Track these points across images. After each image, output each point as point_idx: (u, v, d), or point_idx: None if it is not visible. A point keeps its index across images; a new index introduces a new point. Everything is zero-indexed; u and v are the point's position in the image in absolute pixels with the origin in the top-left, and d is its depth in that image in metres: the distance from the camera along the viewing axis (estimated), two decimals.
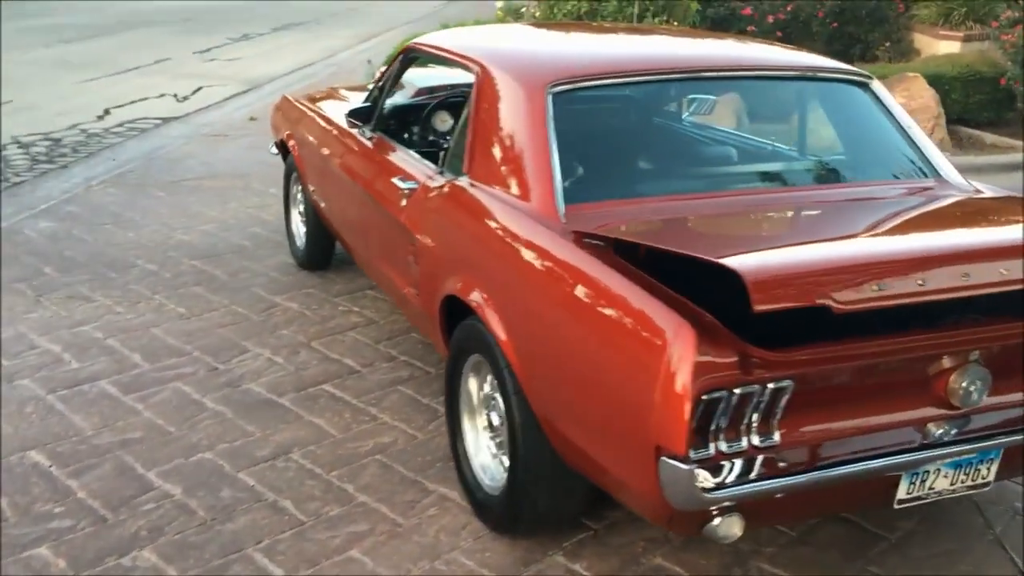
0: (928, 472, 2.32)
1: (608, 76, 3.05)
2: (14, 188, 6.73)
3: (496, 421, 2.87)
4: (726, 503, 2.10)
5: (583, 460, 2.47)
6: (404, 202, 3.39)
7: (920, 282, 2.03)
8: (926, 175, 3.10)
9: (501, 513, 2.83)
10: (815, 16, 10.03)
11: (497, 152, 2.97)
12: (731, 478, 2.06)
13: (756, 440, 2.08)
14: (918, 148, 3.15)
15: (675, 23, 8.43)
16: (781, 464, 2.13)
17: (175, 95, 10.17)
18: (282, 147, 5.17)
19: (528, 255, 2.64)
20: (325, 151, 4.38)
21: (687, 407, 1.99)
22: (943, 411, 2.25)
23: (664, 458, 2.05)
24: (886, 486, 2.31)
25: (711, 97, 3.63)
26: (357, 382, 3.83)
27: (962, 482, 2.38)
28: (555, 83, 2.90)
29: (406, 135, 4.15)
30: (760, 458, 2.09)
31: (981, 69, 8.58)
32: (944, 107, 7.99)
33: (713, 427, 2.05)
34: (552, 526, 2.86)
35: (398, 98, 4.23)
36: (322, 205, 4.56)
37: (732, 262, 1.97)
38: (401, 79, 4.16)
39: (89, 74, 11.33)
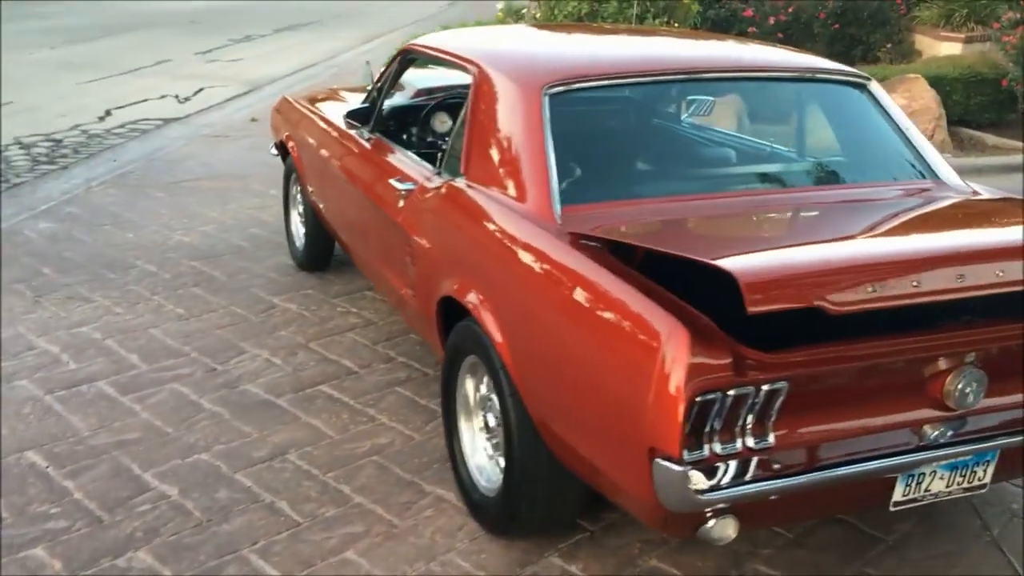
0: (924, 474, 2.31)
1: (604, 77, 3.05)
2: (14, 189, 6.74)
3: (492, 422, 2.87)
4: (720, 505, 2.09)
5: (578, 461, 2.46)
6: (401, 203, 3.39)
7: (915, 284, 2.03)
8: (923, 176, 3.09)
9: (497, 514, 2.82)
10: (816, 17, 10.03)
11: (494, 153, 2.97)
12: (725, 480, 2.06)
13: (750, 442, 2.08)
14: (916, 149, 3.14)
15: (676, 24, 8.42)
16: (775, 466, 2.13)
17: (176, 96, 10.18)
18: (281, 148, 5.17)
19: (523, 256, 2.64)
20: (324, 152, 4.38)
21: (681, 409, 1.99)
22: (939, 413, 2.25)
23: (658, 460, 2.05)
24: (882, 488, 2.30)
25: (710, 98, 3.63)
26: (355, 383, 3.83)
27: (958, 484, 2.37)
28: (551, 84, 2.90)
29: (405, 136, 4.15)
30: (754, 460, 2.09)
31: (982, 70, 8.57)
32: (945, 108, 7.98)
33: (707, 429, 2.05)
34: (548, 527, 2.86)
35: (397, 99, 4.23)
36: (321, 206, 4.56)
37: (726, 263, 1.97)
38: (400, 80, 4.16)
39: (91, 75, 11.34)
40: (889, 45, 10.08)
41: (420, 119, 4.14)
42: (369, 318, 4.46)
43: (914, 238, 2.63)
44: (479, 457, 2.96)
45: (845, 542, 2.88)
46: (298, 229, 5.08)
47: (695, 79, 3.22)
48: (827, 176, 3.24)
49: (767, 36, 9.48)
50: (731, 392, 2.02)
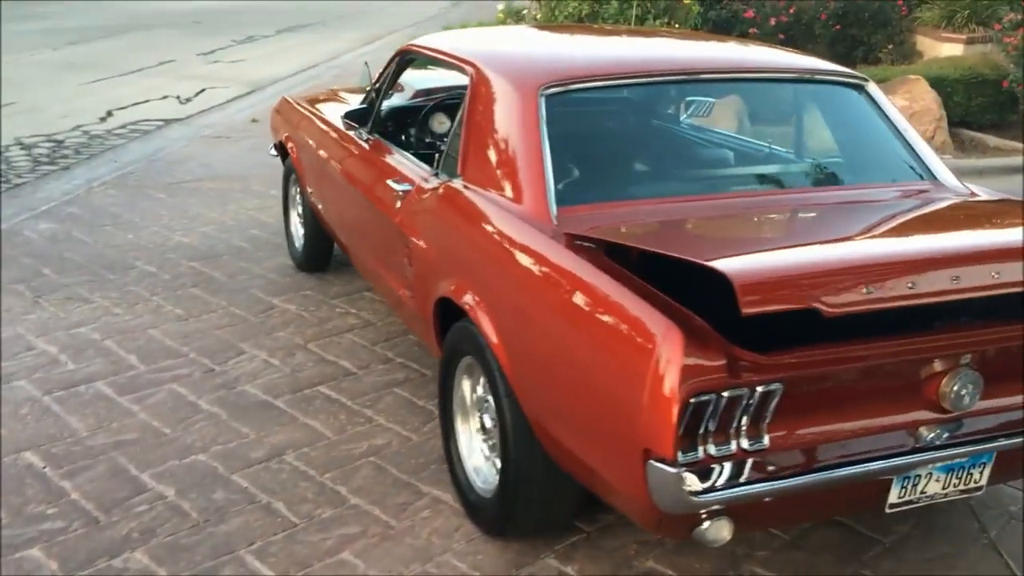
0: (920, 476, 2.31)
1: (600, 78, 3.04)
2: (15, 189, 6.75)
3: (489, 423, 2.87)
4: (715, 507, 2.09)
5: (573, 463, 2.46)
6: (398, 204, 3.39)
7: (910, 285, 2.02)
8: (921, 178, 3.09)
9: (493, 515, 2.82)
10: (818, 18, 10.02)
11: (490, 154, 2.97)
12: (720, 482, 2.05)
13: (745, 443, 2.08)
14: (913, 151, 3.13)
15: (676, 26, 8.42)
16: (770, 468, 2.12)
17: (178, 97, 10.19)
18: (281, 149, 5.18)
19: (519, 257, 2.63)
20: (322, 153, 4.38)
21: (675, 410, 1.98)
22: (935, 415, 2.24)
23: (652, 461, 2.04)
24: (877, 490, 2.30)
25: (709, 99, 3.63)
26: (353, 384, 3.83)
27: (954, 486, 2.36)
28: (548, 85, 2.90)
29: (403, 137, 4.15)
30: (749, 462, 2.08)
31: (983, 72, 8.55)
32: (946, 110, 7.97)
33: (702, 430, 2.04)
34: (544, 529, 2.85)
35: (395, 100, 4.23)
36: (320, 207, 4.56)
37: (720, 265, 1.97)
38: (399, 81, 4.16)
39: (93, 76, 11.36)
40: (890, 46, 10.07)
41: (419, 120, 4.14)
42: (368, 319, 4.46)
43: (910, 239, 2.62)
44: (476, 458, 2.96)
45: (842, 544, 2.87)
46: (297, 230, 5.08)
47: (690, 80, 3.22)
48: (824, 177, 3.23)
49: (768, 37, 9.47)
50: (725, 394, 2.01)
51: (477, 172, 3.01)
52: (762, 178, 3.23)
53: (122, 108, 9.54)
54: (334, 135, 4.28)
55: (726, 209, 2.83)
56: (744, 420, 2.06)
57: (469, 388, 2.97)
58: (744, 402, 2.04)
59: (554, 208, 2.68)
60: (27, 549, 2.79)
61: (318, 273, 5.02)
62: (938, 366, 2.21)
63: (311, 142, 4.58)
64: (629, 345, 2.14)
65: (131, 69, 11.88)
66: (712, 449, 2.06)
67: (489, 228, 2.82)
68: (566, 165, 2.86)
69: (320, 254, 4.96)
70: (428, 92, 4.29)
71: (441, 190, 3.16)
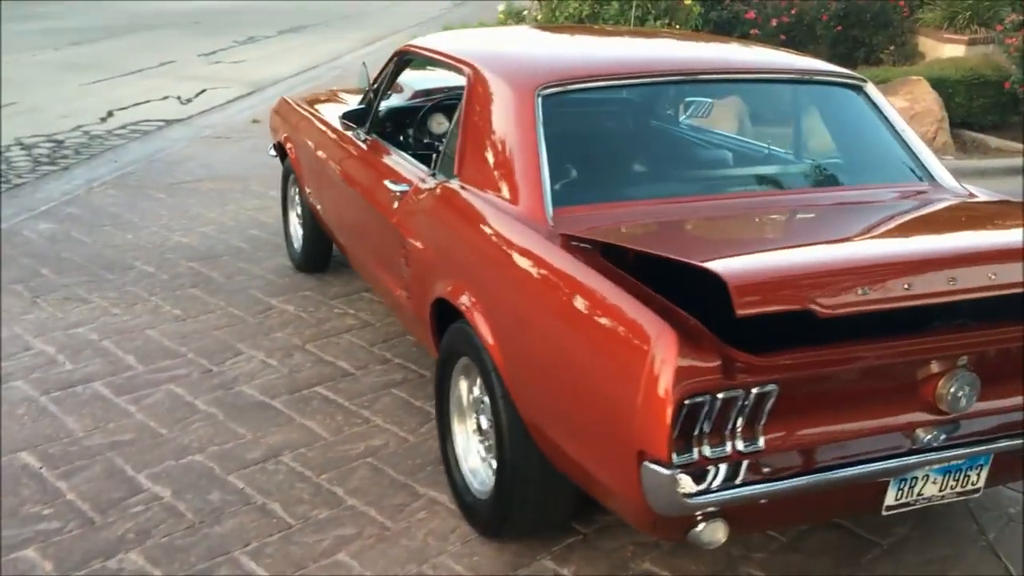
0: (916, 478, 2.30)
1: (597, 79, 3.04)
2: (15, 189, 6.75)
3: (485, 424, 2.86)
4: (709, 508, 2.08)
5: (569, 464, 2.45)
6: (396, 205, 3.38)
7: (907, 286, 2.01)
8: (919, 179, 3.08)
9: (489, 517, 2.81)
10: (819, 19, 10.00)
11: (487, 155, 2.96)
12: (715, 483, 2.05)
13: (740, 445, 2.07)
14: (912, 151, 3.12)
15: (677, 26, 8.41)
16: (766, 469, 2.11)
17: (178, 97, 10.19)
18: (280, 149, 5.17)
19: (515, 258, 2.63)
20: (321, 154, 4.38)
21: (669, 411, 1.97)
22: (931, 416, 2.23)
23: (647, 463, 2.03)
24: (874, 492, 2.29)
25: (708, 100, 3.62)
26: (350, 385, 3.82)
27: (951, 488, 2.35)
28: (544, 86, 2.89)
29: (401, 137, 4.14)
30: (744, 463, 2.08)
31: (985, 73, 8.54)
32: (948, 111, 7.96)
33: (696, 432, 2.03)
34: (540, 530, 2.85)
35: (394, 100, 4.23)
36: (318, 207, 4.55)
37: (715, 266, 1.96)
38: (398, 81, 4.15)
39: (94, 76, 11.36)
40: (892, 47, 10.05)
41: (417, 120, 4.13)
42: (366, 320, 4.46)
43: (907, 240, 2.62)
44: (472, 459, 2.95)
45: (840, 546, 2.86)
46: (296, 231, 5.07)
47: (687, 80, 3.21)
48: (822, 178, 3.23)
49: (769, 38, 9.45)
50: (720, 395, 2.00)
51: (474, 173, 3.00)
52: (760, 179, 3.22)
53: (123, 108, 9.54)
54: (332, 136, 4.28)
55: (723, 210, 2.82)
56: (739, 421, 2.06)
57: (466, 389, 2.96)
58: (739, 403, 2.03)
59: (550, 209, 2.67)
60: (22, 550, 2.79)
61: (317, 274, 5.02)
62: (935, 367, 2.20)
63: (310, 143, 4.57)
64: (624, 346, 2.14)
65: (132, 69, 11.88)
66: (707, 451, 2.05)
67: (485, 229, 2.82)
68: (563, 166, 2.86)
69: (319, 255, 4.96)
70: (426, 92, 4.29)
71: (438, 191, 3.15)
